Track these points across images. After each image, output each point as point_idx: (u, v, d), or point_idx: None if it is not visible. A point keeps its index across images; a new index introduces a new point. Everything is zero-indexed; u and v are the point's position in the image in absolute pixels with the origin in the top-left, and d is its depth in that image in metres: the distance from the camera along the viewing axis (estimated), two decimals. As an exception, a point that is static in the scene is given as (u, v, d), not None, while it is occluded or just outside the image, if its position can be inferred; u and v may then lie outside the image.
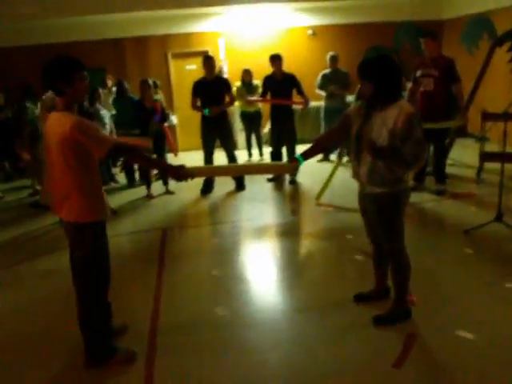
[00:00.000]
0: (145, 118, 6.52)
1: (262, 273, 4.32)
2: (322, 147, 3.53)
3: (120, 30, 9.49)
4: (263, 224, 5.61)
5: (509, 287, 3.66)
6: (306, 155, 3.33)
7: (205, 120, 6.70)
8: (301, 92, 7.00)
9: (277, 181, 7.25)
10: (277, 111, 7.04)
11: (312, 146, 3.41)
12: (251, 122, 8.65)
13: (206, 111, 6.54)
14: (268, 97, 7.17)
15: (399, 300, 3.24)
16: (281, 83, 6.94)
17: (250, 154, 8.94)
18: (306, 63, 9.28)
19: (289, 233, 5.32)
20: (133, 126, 6.51)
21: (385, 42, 8.43)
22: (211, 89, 6.53)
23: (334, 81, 7.99)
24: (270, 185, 7.16)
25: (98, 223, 2.82)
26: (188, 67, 9.95)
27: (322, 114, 8.49)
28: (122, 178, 7.77)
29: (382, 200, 3.05)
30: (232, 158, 6.85)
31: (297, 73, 7.07)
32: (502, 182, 4.59)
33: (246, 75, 8.47)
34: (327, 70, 8.16)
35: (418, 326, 3.20)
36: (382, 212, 3.09)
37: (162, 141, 6.86)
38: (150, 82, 6.72)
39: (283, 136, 7.10)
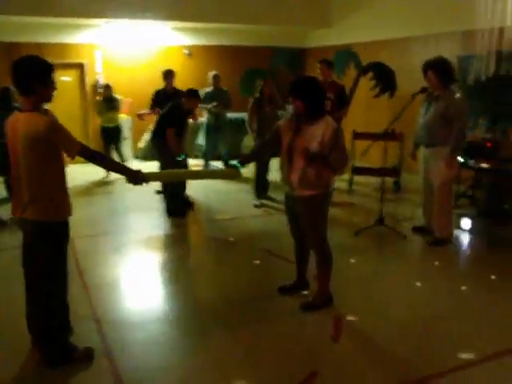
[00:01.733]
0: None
1: (179, 276, 4.58)
2: (256, 156, 3.96)
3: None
4: (157, 233, 5.79)
5: (390, 275, 4.48)
6: (243, 162, 3.71)
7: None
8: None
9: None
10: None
11: (248, 155, 3.86)
12: (111, 137, 8.43)
13: (182, 156, 6.10)
14: (157, 110, 7.36)
15: (324, 287, 3.75)
16: (172, 97, 7.19)
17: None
18: (183, 81, 9.57)
19: (184, 240, 5.70)
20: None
21: (259, 64, 9.04)
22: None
23: (216, 99, 8.46)
24: (158, 197, 7.29)
25: (62, 223, 2.89)
26: (63, 78, 9.65)
27: (204, 130, 8.90)
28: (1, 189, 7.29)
29: (310, 201, 3.54)
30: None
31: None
32: (383, 191, 5.44)
33: (107, 90, 8.43)
34: (209, 89, 8.61)
35: (339, 308, 3.75)
36: (310, 211, 3.58)
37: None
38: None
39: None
